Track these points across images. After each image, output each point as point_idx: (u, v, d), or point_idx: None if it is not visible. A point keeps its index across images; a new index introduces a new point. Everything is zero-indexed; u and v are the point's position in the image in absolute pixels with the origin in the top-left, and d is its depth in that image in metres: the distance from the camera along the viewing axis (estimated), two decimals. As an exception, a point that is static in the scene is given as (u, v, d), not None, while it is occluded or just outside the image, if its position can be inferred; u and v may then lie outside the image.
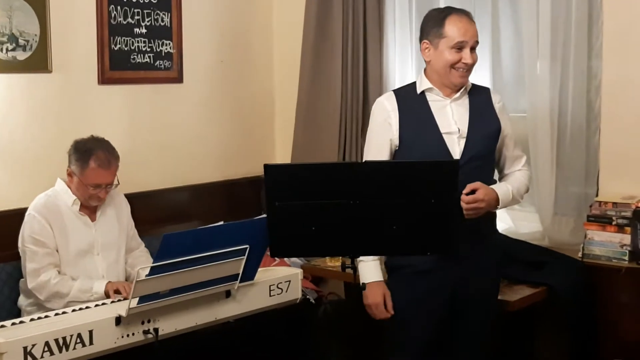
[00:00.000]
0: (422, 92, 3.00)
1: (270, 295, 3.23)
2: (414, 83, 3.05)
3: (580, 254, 3.55)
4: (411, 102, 3.00)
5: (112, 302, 3.06)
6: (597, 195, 3.66)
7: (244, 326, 3.18)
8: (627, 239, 3.44)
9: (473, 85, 3.05)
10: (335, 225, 2.42)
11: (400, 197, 2.40)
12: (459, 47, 2.91)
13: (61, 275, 3.31)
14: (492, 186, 2.92)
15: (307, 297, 3.94)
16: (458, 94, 2.98)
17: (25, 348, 2.47)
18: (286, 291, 3.30)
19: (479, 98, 3.03)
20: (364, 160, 2.62)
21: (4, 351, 2.43)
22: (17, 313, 3.44)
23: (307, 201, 2.35)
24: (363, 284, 2.71)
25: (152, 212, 4.02)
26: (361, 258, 3.01)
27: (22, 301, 3.42)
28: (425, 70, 3.04)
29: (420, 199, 2.40)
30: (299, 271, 3.38)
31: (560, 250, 3.71)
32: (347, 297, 4.02)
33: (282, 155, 4.85)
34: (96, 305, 2.99)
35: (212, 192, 4.53)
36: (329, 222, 2.40)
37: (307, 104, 4.53)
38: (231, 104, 4.61)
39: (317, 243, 2.45)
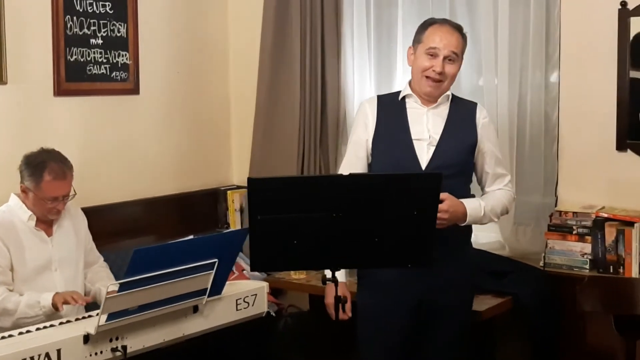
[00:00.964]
0: (403, 98, 3.03)
1: (237, 310, 3.19)
2: (399, 92, 3.08)
3: (541, 263, 3.60)
4: (391, 107, 3.03)
5: (77, 319, 2.97)
6: (555, 205, 3.73)
7: (206, 341, 3.13)
8: (587, 247, 3.50)
9: (458, 98, 3.08)
10: (316, 239, 2.41)
11: (383, 209, 2.40)
12: (432, 53, 2.93)
13: (8, 292, 3.20)
14: (463, 200, 2.91)
15: (268, 310, 3.91)
16: (436, 104, 3.00)
17: (-8, 369, 2.40)
18: (252, 305, 3.27)
19: (461, 111, 3.04)
20: (350, 173, 2.60)
21: (-30, 373, 2.35)
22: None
23: (289, 214, 2.33)
24: (339, 297, 2.68)
25: (106, 226, 3.93)
26: None
27: (-20, 321, 3.31)
28: (410, 79, 3.08)
29: (403, 212, 2.40)
30: (265, 284, 3.35)
31: (521, 259, 3.76)
32: (312, 309, 4.00)
33: (239, 167, 4.82)
34: (60, 324, 2.90)
35: (168, 205, 4.47)
36: (310, 235, 2.39)
37: (265, 116, 4.51)
38: (187, 115, 4.57)
39: (299, 257, 2.44)
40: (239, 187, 4.77)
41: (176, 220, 4.49)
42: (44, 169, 3.25)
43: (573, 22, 3.65)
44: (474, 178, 3.11)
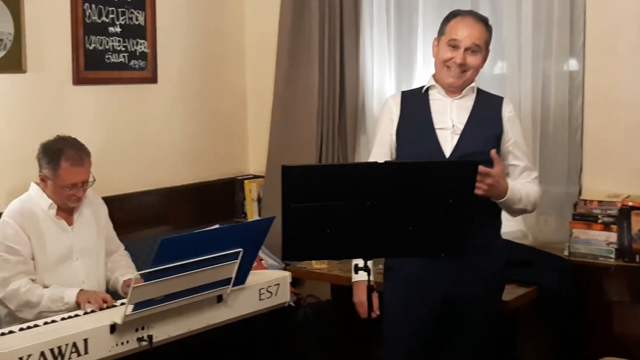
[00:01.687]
0: (427, 90, 3.01)
1: (260, 299, 3.18)
2: (424, 86, 3.06)
3: (566, 252, 3.57)
4: (414, 100, 3.02)
5: (101, 309, 2.96)
6: (579, 194, 3.70)
7: (227, 331, 3.11)
8: (613, 237, 3.47)
9: (483, 91, 3.04)
10: (349, 227, 2.37)
11: (417, 197, 2.37)
12: (453, 45, 2.91)
13: (32, 284, 3.18)
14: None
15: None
16: (460, 95, 2.98)
17: (20, 359, 2.38)
18: (275, 294, 3.25)
19: (487, 103, 3.00)
20: (385, 161, 2.57)
21: (-1, 362, 2.34)
22: (-4, 323, 3.31)
23: (323, 203, 2.30)
24: (371, 286, 2.65)
25: (124, 215, 3.90)
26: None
27: (0, 311, 3.29)
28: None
29: (438, 200, 2.37)
30: (287, 274, 3.34)
31: (544, 249, 3.73)
32: (333, 299, 3.97)
33: (256, 157, 4.80)
34: (85, 313, 2.89)
35: (185, 195, 4.45)
36: (343, 224, 2.36)
37: (282, 105, 4.48)
38: (204, 105, 4.54)
39: (331, 246, 2.40)
40: (255, 177, 4.75)
41: (193, 210, 4.47)
42: (61, 156, 3.23)
43: (598, 8, 3.62)
44: None
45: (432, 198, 2.38)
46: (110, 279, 3.47)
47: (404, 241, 2.43)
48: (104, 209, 3.53)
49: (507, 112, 3.00)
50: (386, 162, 2.49)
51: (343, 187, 2.33)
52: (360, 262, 2.50)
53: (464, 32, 2.90)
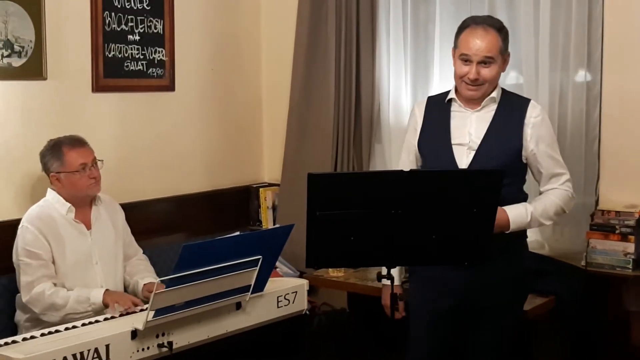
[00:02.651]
0: (449, 101, 3.01)
1: (277, 307, 3.19)
2: (449, 91, 3.04)
3: (583, 263, 3.57)
4: (437, 109, 3.01)
5: (121, 315, 2.97)
6: (596, 205, 3.70)
7: (243, 338, 3.12)
8: (630, 247, 3.47)
9: (509, 95, 3.01)
10: (374, 235, 2.39)
11: (442, 206, 2.37)
12: (465, 59, 2.90)
13: (55, 287, 3.20)
14: (506, 207, 2.83)
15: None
16: (480, 107, 2.96)
17: (43, 364, 2.40)
18: (293, 302, 3.27)
19: (510, 111, 2.95)
20: (410, 169, 2.59)
21: (22, 367, 2.35)
22: (13, 328, 3.33)
23: (348, 211, 2.31)
24: (395, 294, 2.66)
25: (139, 222, 3.91)
26: None
27: (19, 316, 3.31)
28: None
29: (463, 208, 2.38)
30: (305, 282, 3.35)
31: (561, 259, 3.72)
32: (350, 308, 3.98)
33: (270, 165, 4.81)
34: (105, 319, 2.90)
35: (200, 202, 4.46)
36: (368, 232, 2.37)
37: (298, 114, 4.50)
38: (220, 113, 4.56)
39: (355, 253, 2.41)
40: (270, 185, 4.76)
41: (208, 218, 4.48)
42: (61, 145, 3.33)
43: (615, 19, 3.62)
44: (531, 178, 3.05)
45: (456, 207, 2.39)
46: (129, 283, 3.49)
47: (428, 250, 2.44)
48: (121, 214, 3.57)
49: (533, 117, 2.92)
50: (411, 171, 2.51)
51: (368, 195, 2.35)
52: (383, 270, 2.51)
53: (475, 45, 2.86)
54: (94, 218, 3.40)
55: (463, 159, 2.89)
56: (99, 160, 3.39)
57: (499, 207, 2.72)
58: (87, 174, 3.31)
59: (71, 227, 3.32)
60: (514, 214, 2.86)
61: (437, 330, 2.97)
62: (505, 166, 2.81)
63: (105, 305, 3.12)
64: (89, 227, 3.38)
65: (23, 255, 3.22)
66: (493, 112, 2.96)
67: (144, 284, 3.38)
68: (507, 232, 2.85)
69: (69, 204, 3.32)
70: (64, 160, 3.29)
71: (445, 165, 2.87)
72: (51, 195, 3.35)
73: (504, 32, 2.96)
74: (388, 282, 2.90)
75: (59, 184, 3.32)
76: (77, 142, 3.35)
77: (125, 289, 3.48)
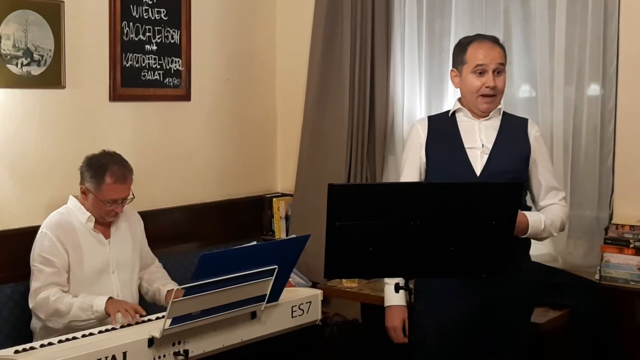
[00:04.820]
0: (453, 113, 3.05)
1: (292, 317, 3.20)
2: (449, 110, 3.10)
3: (597, 276, 3.57)
4: (442, 123, 3.06)
5: (137, 323, 2.98)
6: (610, 219, 3.70)
7: (257, 348, 3.13)
8: (645, 261, 3.48)
9: (508, 113, 3.08)
10: (393, 247, 2.40)
11: (461, 218, 2.39)
12: (480, 70, 2.94)
13: (62, 293, 3.21)
14: (526, 212, 2.90)
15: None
16: (488, 117, 3.02)
17: (62, 370, 2.42)
18: (307, 312, 3.28)
19: (513, 124, 3.05)
20: (431, 182, 2.60)
21: (41, 374, 2.37)
22: (28, 335, 3.35)
23: (368, 221, 2.33)
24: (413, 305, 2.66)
25: (153, 230, 3.92)
26: (386, 280, 3.03)
27: (35, 324, 3.32)
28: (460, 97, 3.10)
29: (482, 221, 2.39)
30: (319, 292, 3.37)
31: (574, 272, 3.73)
32: (364, 318, 3.98)
33: (284, 175, 4.83)
34: (122, 327, 2.92)
35: (213, 211, 4.47)
36: (387, 243, 2.38)
37: (312, 125, 4.51)
38: (235, 123, 4.58)
39: (373, 264, 2.43)
40: (283, 195, 4.77)
41: (221, 227, 4.49)
42: (106, 172, 3.28)
43: (631, 33, 3.62)
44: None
45: (475, 219, 2.40)
46: (148, 291, 3.51)
47: (446, 261, 2.45)
48: (140, 224, 3.58)
49: (534, 132, 3.05)
50: (431, 183, 2.52)
51: (387, 207, 2.36)
52: (401, 282, 2.52)
53: (490, 54, 2.94)
54: (113, 228, 3.42)
55: (477, 162, 2.93)
56: (131, 198, 3.38)
57: (520, 212, 2.78)
58: (112, 207, 3.31)
59: (90, 236, 3.34)
60: (533, 219, 2.90)
61: (447, 348, 2.97)
62: (516, 169, 2.93)
63: (108, 314, 3.10)
64: (107, 237, 3.39)
65: (37, 261, 3.24)
66: (499, 122, 3.03)
67: (167, 291, 3.39)
68: (522, 236, 2.89)
69: (89, 214, 3.33)
70: (100, 188, 3.27)
71: (460, 170, 2.91)
72: (73, 202, 3.37)
73: (503, 46, 3.05)
74: (394, 303, 2.99)
75: (84, 197, 3.33)
76: (121, 178, 3.30)
77: (143, 297, 3.49)
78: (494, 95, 2.96)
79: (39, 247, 3.26)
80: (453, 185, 2.54)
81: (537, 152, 3.02)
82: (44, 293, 3.19)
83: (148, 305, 3.40)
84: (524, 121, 3.09)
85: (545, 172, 3.03)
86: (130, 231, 3.49)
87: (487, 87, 2.93)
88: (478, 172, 2.91)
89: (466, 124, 3.02)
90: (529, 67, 3.96)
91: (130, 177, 3.35)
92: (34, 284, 3.23)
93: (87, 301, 3.16)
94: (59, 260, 3.24)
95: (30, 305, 3.23)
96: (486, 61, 2.93)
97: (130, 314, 3.04)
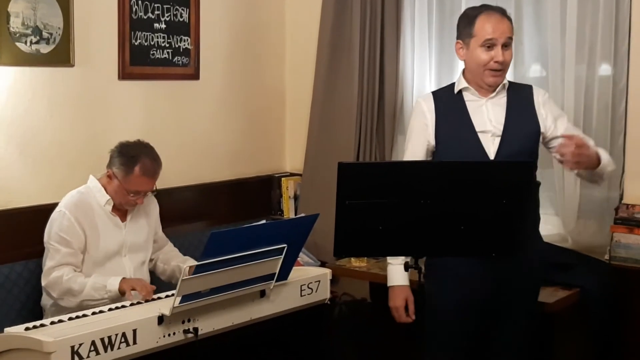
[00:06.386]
0: (459, 92, 3.00)
1: (301, 295, 3.21)
2: (453, 84, 3.05)
3: (606, 257, 3.56)
4: (448, 102, 3.00)
5: (147, 300, 2.99)
6: (620, 199, 3.69)
7: (265, 326, 3.13)
8: (655, 241, 3.47)
9: (512, 83, 3.04)
10: (402, 225, 2.39)
11: (472, 197, 2.38)
12: (489, 45, 2.89)
13: (75, 272, 3.22)
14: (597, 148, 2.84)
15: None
16: (494, 93, 2.97)
17: (72, 347, 2.43)
18: (315, 291, 3.29)
19: (519, 96, 2.99)
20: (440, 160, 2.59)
21: (52, 350, 2.38)
22: (39, 312, 3.37)
23: (378, 200, 2.32)
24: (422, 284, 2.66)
25: (161, 210, 3.92)
26: (389, 260, 3.03)
27: (45, 300, 3.34)
28: (463, 70, 3.03)
29: (492, 200, 2.38)
30: (328, 271, 3.37)
31: (584, 252, 3.72)
32: (372, 298, 3.99)
33: (292, 155, 4.83)
34: (131, 304, 2.93)
35: (222, 191, 4.48)
36: (397, 221, 2.37)
37: (321, 104, 4.50)
38: (243, 102, 4.57)
39: (383, 243, 2.42)
40: (292, 175, 4.77)
41: (230, 206, 4.50)
42: (137, 163, 3.27)
43: (644, 12, 3.60)
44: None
45: (485, 198, 2.39)
46: (166, 270, 3.52)
47: (456, 240, 2.44)
48: (156, 208, 3.58)
49: (540, 97, 3.00)
50: (441, 161, 2.51)
51: (397, 185, 2.35)
52: (410, 261, 2.51)
53: (499, 28, 2.88)
54: (130, 212, 3.42)
55: (490, 146, 2.90)
56: (154, 191, 3.38)
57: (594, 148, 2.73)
58: (134, 198, 3.30)
59: (107, 218, 3.34)
60: (596, 148, 2.82)
61: (457, 327, 2.97)
62: (529, 150, 2.89)
63: (122, 293, 3.11)
64: (124, 220, 3.39)
65: (55, 240, 3.23)
66: (505, 98, 2.98)
67: (189, 267, 3.39)
68: (596, 169, 2.82)
69: (108, 197, 3.32)
70: (128, 178, 3.26)
71: (474, 155, 2.88)
72: (93, 183, 3.35)
73: (509, 17, 2.99)
74: (397, 283, 2.98)
75: (108, 180, 3.32)
76: (150, 172, 3.29)
77: (158, 278, 3.51)
78: (502, 69, 2.92)
79: (58, 227, 3.24)
80: (463, 163, 2.52)
81: (550, 118, 2.96)
82: (57, 272, 3.19)
83: (161, 284, 3.41)
84: (529, 90, 3.03)
85: (563, 125, 2.97)
86: (146, 216, 3.49)
87: (495, 61, 2.89)
88: (492, 157, 2.88)
89: (473, 104, 2.97)
90: (539, 47, 3.93)
91: (159, 173, 3.35)
92: (48, 263, 3.23)
93: (100, 281, 3.18)
94: (76, 242, 3.24)
95: (43, 284, 3.24)
96: (496, 35, 2.87)
97: (146, 289, 3.05)
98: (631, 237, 3.51)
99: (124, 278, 3.18)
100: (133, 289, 3.09)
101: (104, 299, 3.14)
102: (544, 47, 3.90)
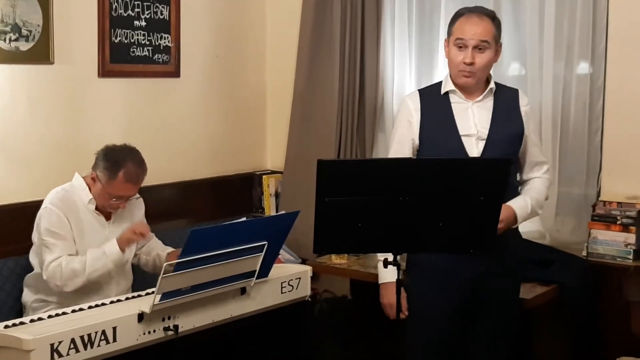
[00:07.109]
0: (446, 93, 3.01)
1: (281, 293, 3.21)
2: (440, 83, 3.06)
3: (584, 253, 3.60)
4: (434, 102, 3.01)
5: (127, 298, 2.99)
6: (598, 196, 3.72)
7: (245, 324, 3.14)
8: (631, 238, 3.50)
9: (499, 85, 3.06)
10: (381, 222, 2.41)
11: (449, 194, 2.40)
12: (460, 45, 2.91)
13: (71, 256, 3.23)
14: (510, 202, 2.90)
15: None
16: (481, 97, 2.99)
17: (52, 345, 2.42)
18: (296, 288, 3.29)
19: (505, 100, 3.02)
20: (419, 158, 2.61)
21: (32, 348, 2.37)
22: (19, 310, 3.36)
23: (357, 197, 2.34)
24: (401, 280, 2.67)
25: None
26: (379, 257, 3.04)
27: (28, 297, 3.34)
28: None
29: (470, 197, 2.40)
30: (308, 268, 3.37)
31: (562, 249, 3.75)
32: (353, 295, 4.00)
33: (274, 152, 4.83)
34: (111, 302, 2.93)
35: (203, 188, 4.48)
36: (376, 218, 2.39)
37: (302, 102, 4.51)
38: (224, 100, 4.57)
39: (362, 239, 2.44)
40: (273, 172, 4.78)
41: (211, 204, 4.50)
42: (121, 169, 3.26)
43: (620, 11, 3.63)
44: None
45: (463, 195, 2.42)
46: (148, 261, 3.52)
47: (434, 237, 2.47)
48: (141, 208, 3.56)
49: (524, 105, 3.04)
50: (420, 159, 2.53)
51: (376, 182, 2.37)
52: (389, 257, 2.53)
53: (470, 30, 2.89)
54: (114, 212, 3.40)
55: (473, 150, 2.91)
56: (136, 197, 3.39)
57: (506, 206, 2.79)
58: (116, 202, 3.30)
59: (92, 216, 3.34)
60: (518, 206, 2.92)
61: (437, 322, 2.99)
62: (512, 153, 2.92)
63: (122, 250, 3.20)
64: (108, 219, 3.39)
65: (47, 236, 3.22)
66: (492, 102, 3.00)
67: (168, 253, 3.42)
68: (514, 226, 2.93)
69: (92, 196, 3.32)
70: (111, 182, 3.25)
71: (456, 157, 2.87)
72: (78, 181, 3.34)
73: (497, 21, 3.00)
74: (389, 279, 2.97)
75: (91, 182, 3.31)
76: (133, 179, 3.29)
77: (143, 272, 3.54)
78: (471, 71, 2.91)
79: (47, 222, 3.24)
80: (442, 161, 2.54)
81: (528, 127, 3.02)
82: (56, 262, 3.20)
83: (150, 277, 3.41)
84: (515, 94, 3.06)
85: (533, 148, 3.05)
86: (131, 215, 3.48)
87: (463, 62, 2.90)
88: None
89: (459, 106, 2.98)
90: (518, 45, 3.96)
91: (142, 179, 3.34)
92: (48, 257, 3.21)
93: (97, 251, 3.22)
94: (67, 234, 3.25)
95: (45, 277, 3.22)
96: (466, 36, 2.89)
97: (142, 229, 3.18)
98: (608, 233, 3.55)
99: (116, 239, 3.25)
100: (131, 242, 3.22)
101: (107, 266, 3.21)
102: (522, 45, 3.93)
